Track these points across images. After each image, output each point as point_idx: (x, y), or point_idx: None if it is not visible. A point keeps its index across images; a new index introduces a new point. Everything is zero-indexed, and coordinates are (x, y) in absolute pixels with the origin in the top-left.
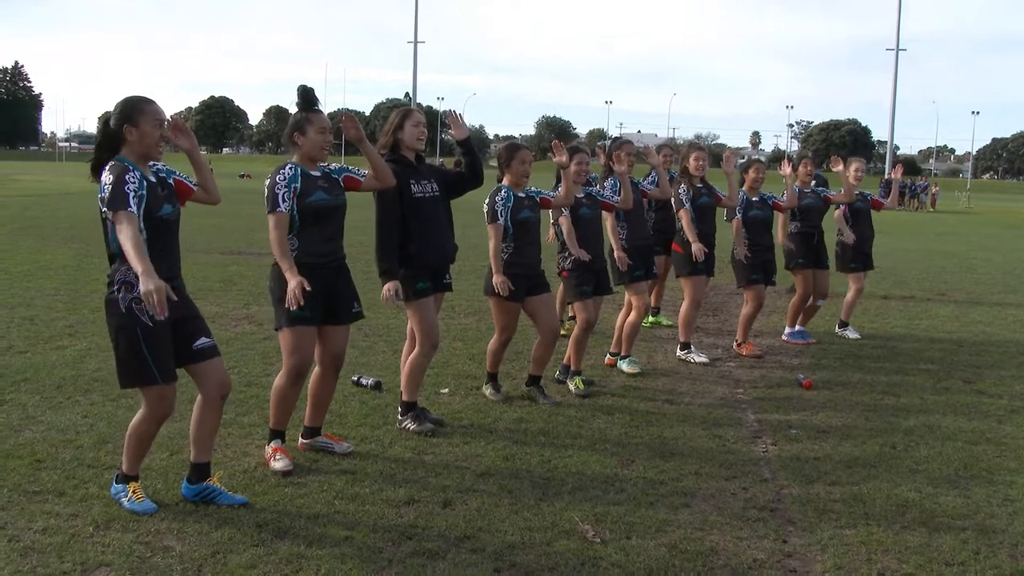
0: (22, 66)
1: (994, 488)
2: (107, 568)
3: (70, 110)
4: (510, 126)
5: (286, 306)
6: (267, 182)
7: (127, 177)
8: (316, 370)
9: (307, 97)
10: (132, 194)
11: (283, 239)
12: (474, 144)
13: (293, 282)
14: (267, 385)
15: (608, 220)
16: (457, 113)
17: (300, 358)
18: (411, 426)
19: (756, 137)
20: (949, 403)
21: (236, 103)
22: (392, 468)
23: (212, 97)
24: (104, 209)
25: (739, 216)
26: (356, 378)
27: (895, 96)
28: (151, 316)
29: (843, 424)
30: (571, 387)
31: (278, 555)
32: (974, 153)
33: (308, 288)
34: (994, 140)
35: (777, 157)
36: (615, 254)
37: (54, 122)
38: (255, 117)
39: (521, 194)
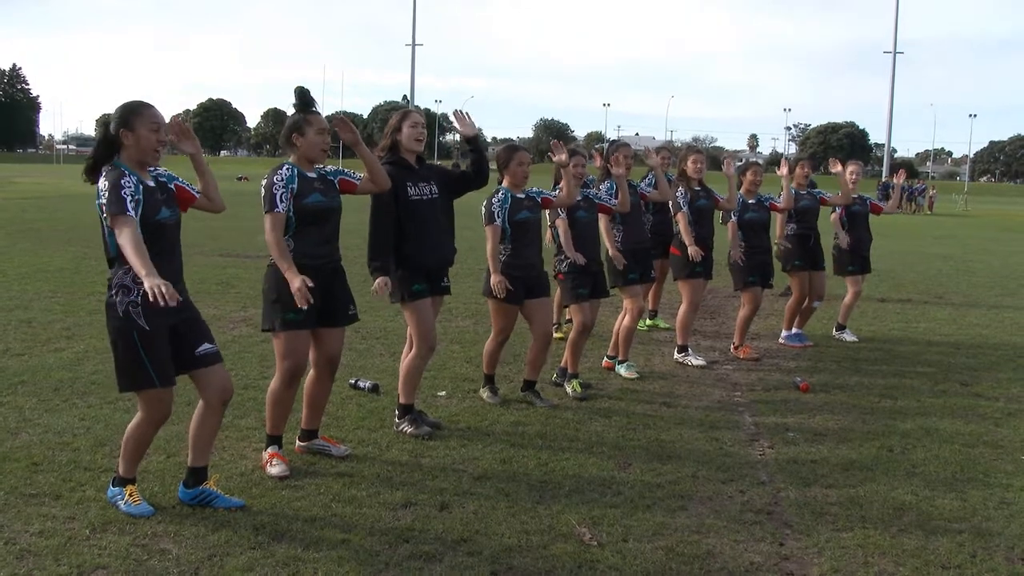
0: (20, 68)
1: (991, 491)
2: (104, 571)
3: (68, 113)
4: (508, 129)
5: (299, 305)
6: (264, 182)
7: (123, 182)
8: (311, 373)
9: (304, 98)
10: (129, 199)
11: (281, 239)
12: (482, 142)
13: (296, 282)
14: (264, 388)
15: (602, 222)
16: (464, 111)
17: (294, 361)
18: (408, 429)
19: (754, 140)
20: (946, 406)
21: (234, 105)
22: (389, 471)
23: (210, 99)
24: (104, 215)
25: (734, 219)
26: (353, 381)
27: (892, 99)
28: (148, 320)
29: (840, 427)
30: (568, 390)
31: (275, 558)
32: (971, 156)
33: (312, 284)
34: (991, 143)
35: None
36: (610, 253)
37: (52, 124)
38: (253, 119)
39: (520, 195)
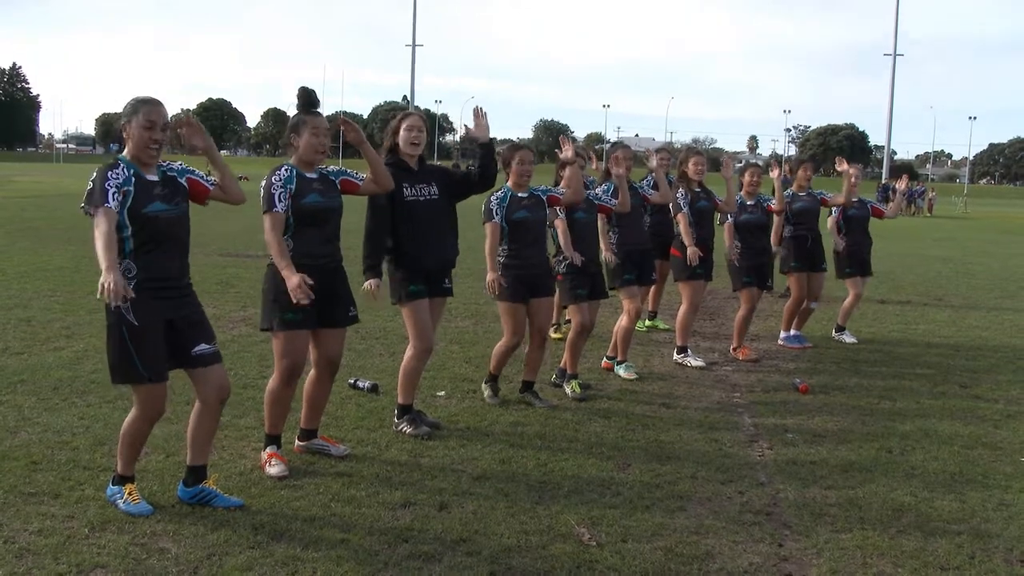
0: (20, 67)
1: (990, 492)
2: (103, 570)
3: (68, 112)
4: (508, 129)
5: (295, 302)
6: (263, 183)
7: (110, 174)
8: (311, 373)
9: (305, 99)
10: (114, 190)
11: (279, 239)
12: (494, 147)
13: (295, 280)
14: (263, 387)
15: (601, 222)
16: (483, 111)
17: (292, 361)
18: (407, 429)
19: (754, 141)
20: (945, 407)
21: (234, 105)
22: (388, 471)
23: (210, 99)
24: (83, 205)
25: (731, 219)
26: (353, 381)
27: (892, 101)
28: (137, 316)
29: (839, 428)
30: (567, 391)
31: (274, 557)
32: (971, 158)
33: (311, 282)
34: (991, 145)
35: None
36: (604, 254)
37: (52, 124)
38: (253, 119)
39: (522, 194)
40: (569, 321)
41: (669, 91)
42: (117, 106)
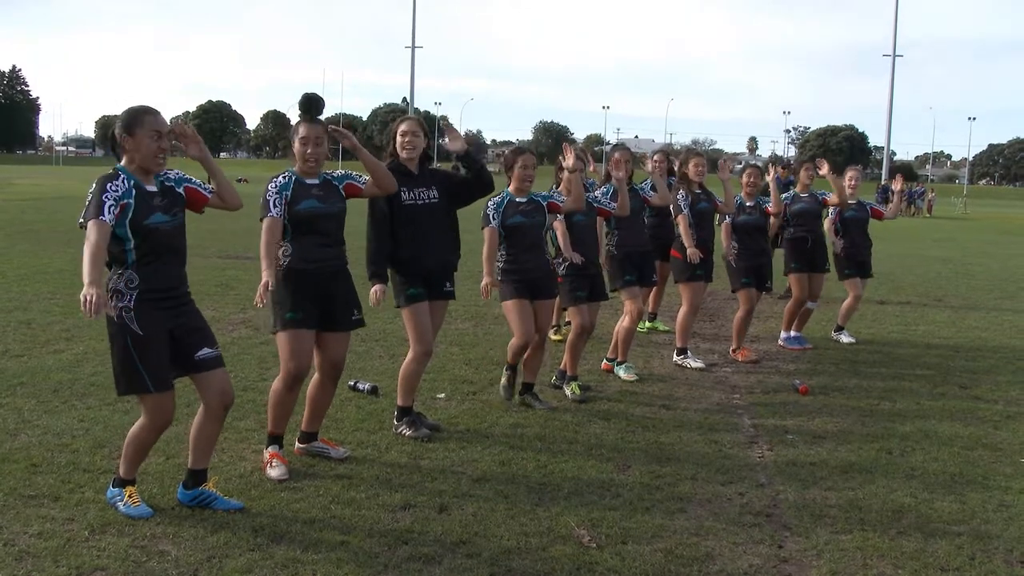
0: (20, 70)
1: (990, 493)
2: (102, 572)
3: (67, 114)
4: (508, 131)
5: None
6: (261, 189)
7: (108, 186)
8: (315, 377)
9: (304, 106)
10: (112, 203)
11: (270, 242)
12: (474, 155)
13: (263, 280)
14: (263, 390)
15: (600, 225)
16: (450, 124)
17: (296, 362)
18: (407, 431)
19: (753, 142)
20: (945, 408)
21: (233, 107)
22: (388, 473)
23: (210, 101)
24: (80, 219)
25: (728, 220)
26: (352, 383)
27: (892, 102)
28: (141, 325)
29: (839, 429)
30: (567, 392)
31: (274, 560)
32: (970, 159)
33: (271, 288)
34: (990, 146)
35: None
36: (602, 257)
37: (51, 126)
38: (252, 121)
39: (520, 199)
40: (569, 323)
41: (668, 92)
42: (117, 108)
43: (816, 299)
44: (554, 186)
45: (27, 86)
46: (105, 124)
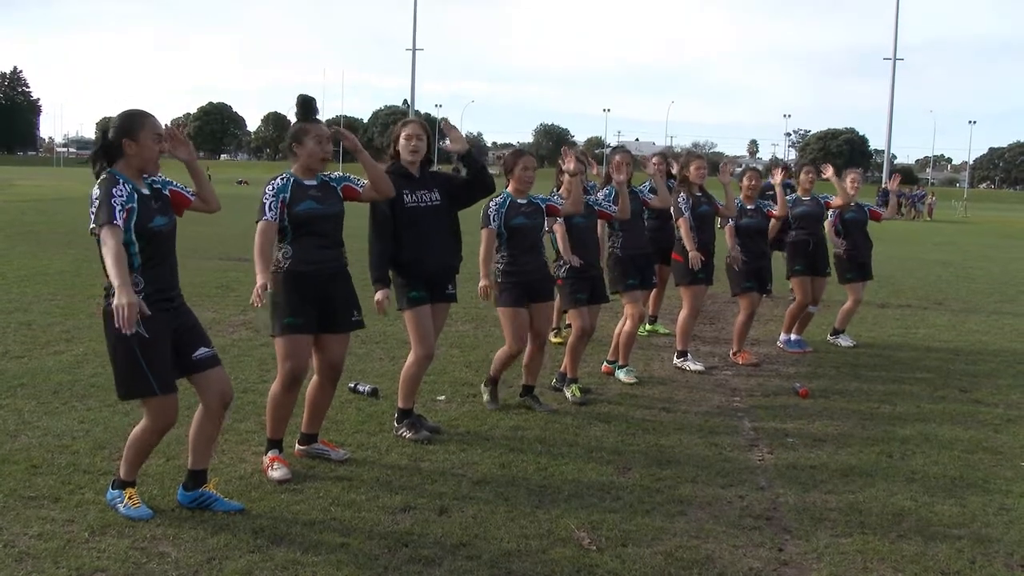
0: (20, 71)
1: (990, 497)
2: (102, 574)
3: (68, 115)
4: (508, 134)
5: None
6: (260, 191)
7: (115, 191)
8: (314, 378)
9: (305, 107)
10: (120, 208)
11: (264, 245)
12: (475, 155)
13: (258, 282)
14: (263, 392)
15: (601, 228)
16: (452, 123)
17: (294, 365)
18: (407, 433)
19: (754, 145)
20: (945, 412)
21: (234, 109)
22: (388, 475)
23: (210, 103)
24: (92, 225)
25: (731, 223)
26: (353, 385)
27: (892, 105)
28: (147, 327)
29: (839, 432)
30: (568, 395)
31: (274, 561)
32: (971, 162)
33: (269, 290)
34: (991, 150)
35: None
36: (604, 261)
37: (52, 127)
38: (253, 123)
39: (521, 200)
40: (569, 325)
41: (669, 94)
42: (117, 109)
43: (817, 303)
44: (555, 189)
45: (28, 87)
46: (104, 128)
